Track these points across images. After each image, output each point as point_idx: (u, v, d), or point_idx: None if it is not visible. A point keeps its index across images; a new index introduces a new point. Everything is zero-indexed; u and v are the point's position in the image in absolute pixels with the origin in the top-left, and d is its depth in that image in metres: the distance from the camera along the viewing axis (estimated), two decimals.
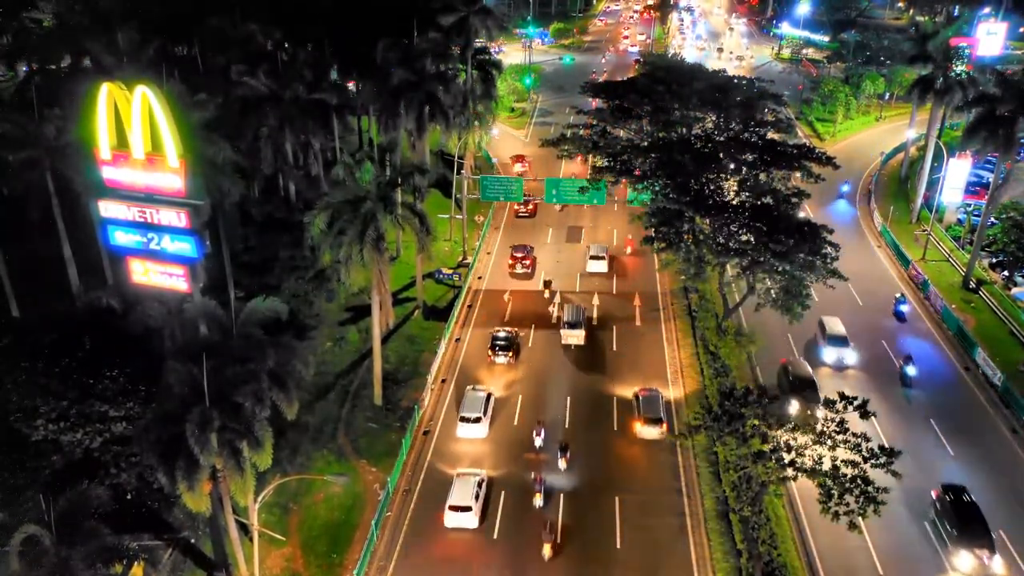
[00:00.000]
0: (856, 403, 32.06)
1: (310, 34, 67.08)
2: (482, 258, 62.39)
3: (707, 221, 46.08)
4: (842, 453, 30.57)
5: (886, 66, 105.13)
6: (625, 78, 77.58)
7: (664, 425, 40.75)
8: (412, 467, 39.28)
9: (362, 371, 46.66)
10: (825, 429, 31.00)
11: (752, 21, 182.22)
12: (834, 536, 33.42)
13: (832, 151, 64.96)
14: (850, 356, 46.97)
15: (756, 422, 31.41)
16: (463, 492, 35.21)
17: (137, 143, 32.10)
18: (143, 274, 35.57)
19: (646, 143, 54.46)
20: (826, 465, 30.23)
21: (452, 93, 58.87)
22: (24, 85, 57.19)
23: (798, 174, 49.91)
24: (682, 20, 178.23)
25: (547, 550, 33.37)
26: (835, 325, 48.50)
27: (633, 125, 57.67)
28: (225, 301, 40.74)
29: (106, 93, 31.53)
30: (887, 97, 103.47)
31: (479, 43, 70.82)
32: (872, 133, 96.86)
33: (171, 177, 32.53)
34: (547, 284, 57.16)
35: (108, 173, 33.38)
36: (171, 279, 35.21)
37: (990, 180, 61.08)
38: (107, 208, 34.25)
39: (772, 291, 44.50)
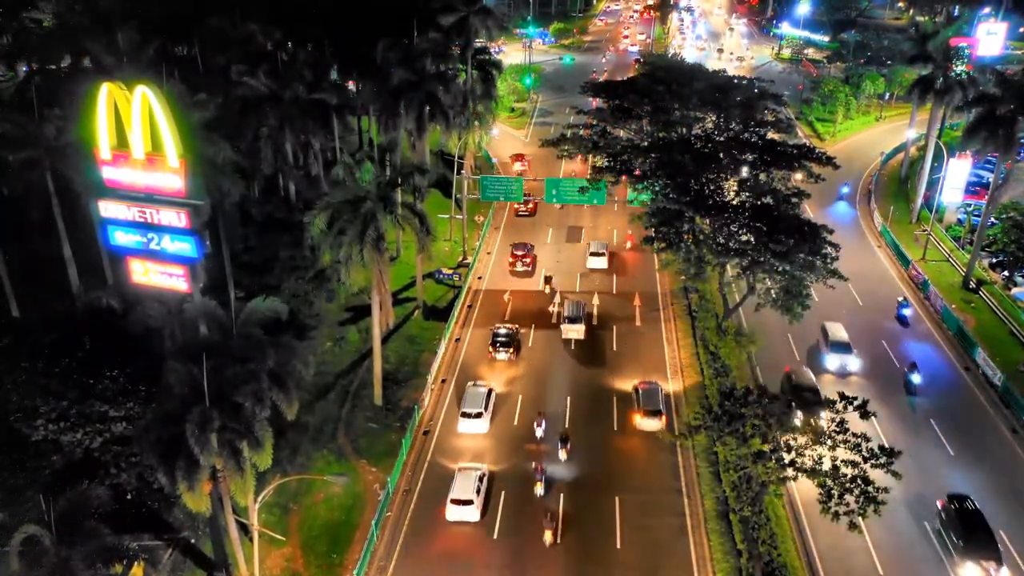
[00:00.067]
0: (856, 403, 32.07)
1: (310, 34, 67.09)
2: (482, 258, 62.40)
3: (707, 221, 46.07)
4: (842, 453, 30.57)
5: (886, 66, 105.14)
6: (625, 78, 77.64)
7: (663, 417, 41.33)
8: (412, 467, 39.30)
9: (362, 371, 46.66)
10: (827, 431, 30.96)
11: (752, 21, 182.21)
12: (834, 536, 33.43)
13: (832, 151, 64.95)
14: (853, 363, 46.26)
15: (757, 422, 31.40)
16: (464, 486, 35.57)
17: (137, 143, 32.11)
18: (143, 274, 35.58)
19: (646, 143, 54.47)
20: (826, 465, 30.24)
21: (452, 93, 58.87)
22: (24, 85, 57.19)
23: (799, 175, 49.94)
24: (682, 20, 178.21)
25: (548, 536, 34.09)
26: (838, 331, 47.75)
27: (633, 125, 57.68)
28: (225, 301, 40.76)
29: (106, 93, 31.54)
30: (887, 97, 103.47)
31: (479, 43, 70.84)
32: (872, 133, 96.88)
33: (171, 177, 32.55)
34: (547, 280, 57.46)
35: (108, 173, 33.39)
36: (171, 279, 35.22)
37: (990, 180, 61.08)
38: (107, 208, 34.27)
39: (772, 291, 44.49)
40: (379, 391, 43.96)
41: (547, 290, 56.65)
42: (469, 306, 55.06)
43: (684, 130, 56.34)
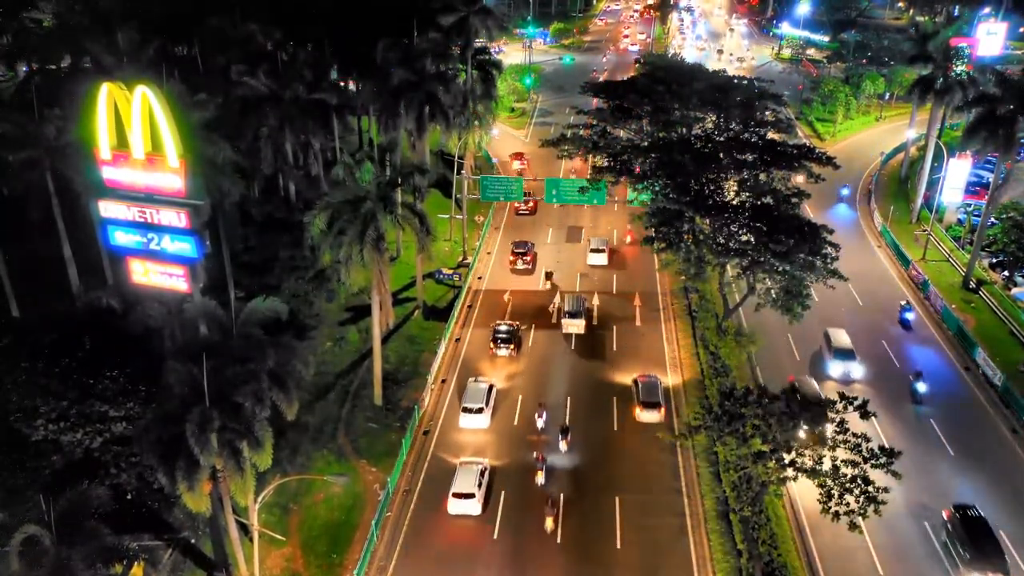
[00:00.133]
0: (856, 403, 32.07)
1: (310, 34, 67.07)
2: (482, 258, 62.40)
3: (707, 221, 46.07)
4: (842, 453, 30.58)
5: (886, 66, 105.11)
6: (626, 77, 77.63)
7: (662, 409, 42.11)
8: (412, 467, 39.30)
9: (362, 371, 46.66)
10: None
11: (752, 21, 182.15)
12: (834, 536, 33.45)
13: (832, 151, 64.90)
14: (857, 370, 45.63)
15: (757, 422, 31.40)
16: (466, 480, 36.07)
17: (137, 143, 32.10)
18: (143, 274, 35.57)
19: (646, 143, 54.48)
20: (826, 465, 30.24)
21: (452, 93, 58.85)
22: (24, 85, 57.16)
23: (800, 178, 49.91)
24: (682, 20, 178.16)
25: (549, 523, 34.78)
26: (841, 338, 47.03)
27: (633, 125, 57.68)
28: (225, 301, 40.76)
29: (106, 93, 31.53)
30: (887, 97, 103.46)
31: (479, 43, 70.81)
32: (872, 133, 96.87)
33: (171, 177, 32.54)
34: (548, 276, 57.94)
35: (108, 173, 33.38)
36: (171, 279, 35.21)
37: (990, 180, 61.07)
38: (107, 208, 34.25)
39: (772, 291, 44.48)
40: (379, 391, 43.96)
41: (548, 285, 57.06)
42: (469, 306, 55.07)
43: (684, 130, 56.33)
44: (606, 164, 53.82)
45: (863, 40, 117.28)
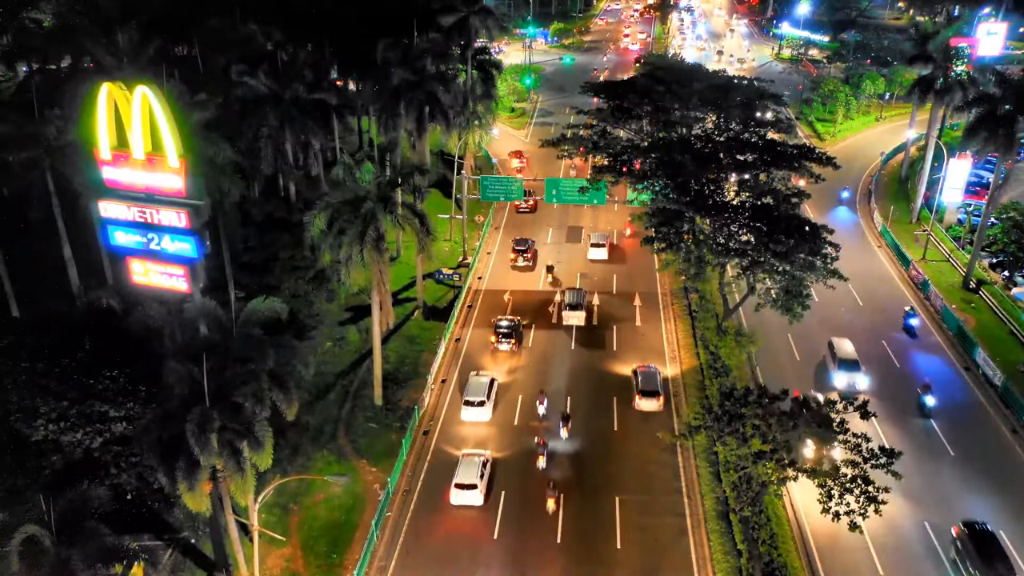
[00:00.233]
0: (856, 404, 32.08)
1: (310, 34, 67.05)
2: (482, 258, 62.42)
3: (707, 221, 46.07)
4: (841, 453, 30.58)
5: (886, 66, 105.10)
6: (627, 77, 77.63)
7: (661, 398, 43.08)
8: (412, 467, 39.31)
9: (362, 371, 46.67)
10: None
11: (752, 21, 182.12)
12: (834, 536, 33.45)
13: (832, 151, 64.92)
14: (862, 380, 44.51)
15: (757, 422, 31.39)
16: (468, 471, 36.76)
17: (137, 143, 32.12)
18: (143, 274, 35.60)
19: (646, 143, 54.49)
20: (826, 465, 30.22)
21: (452, 93, 58.87)
22: (24, 85, 57.12)
23: (802, 182, 49.86)
24: (682, 20, 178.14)
25: (551, 504, 35.83)
26: (846, 348, 46.15)
27: (633, 125, 57.70)
28: (225, 301, 40.76)
29: (106, 93, 31.54)
30: (887, 97, 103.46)
31: (479, 43, 70.82)
32: (872, 133, 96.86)
33: (171, 177, 32.56)
34: (550, 269, 58.74)
35: (108, 173, 33.40)
36: (171, 279, 35.24)
37: (990, 180, 61.07)
38: (107, 208, 34.28)
39: (772, 291, 44.47)
40: (379, 391, 43.96)
41: (549, 279, 57.57)
42: (469, 306, 55.08)
43: (684, 130, 56.35)
44: (606, 164, 53.83)
45: (863, 40, 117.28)
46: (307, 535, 35.18)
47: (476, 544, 34.50)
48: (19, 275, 46.70)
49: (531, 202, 70.66)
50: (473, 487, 36.09)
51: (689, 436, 34.40)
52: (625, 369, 46.88)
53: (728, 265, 48.73)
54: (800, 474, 30.24)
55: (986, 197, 59.83)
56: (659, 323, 52.75)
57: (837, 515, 29.69)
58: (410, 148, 63.34)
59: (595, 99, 77.82)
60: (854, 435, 31.01)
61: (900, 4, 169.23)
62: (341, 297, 53.50)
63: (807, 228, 44.18)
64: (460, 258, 62.69)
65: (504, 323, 49.50)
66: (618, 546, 34.23)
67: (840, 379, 44.86)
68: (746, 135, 53.54)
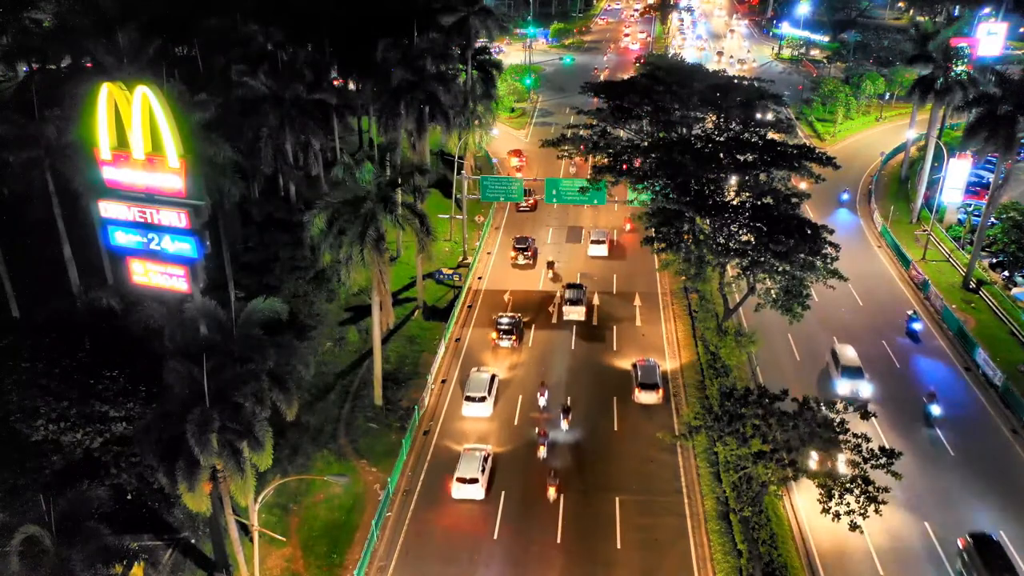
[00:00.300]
0: (856, 405, 32.09)
1: (310, 34, 67.03)
2: (482, 258, 62.43)
3: (707, 221, 46.06)
4: (845, 455, 30.59)
5: (886, 66, 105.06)
6: (627, 76, 77.64)
7: (660, 391, 43.68)
8: (412, 467, 39.32)
9: (362, 371, 46.67)
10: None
11: (752, 21, 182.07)
12: (834, 536, 33.44)
13: (832, 151, 64.92)
14: (865, 389, 43.79)
15: (757, 422, 31.40)
16: (470, 466, 37.18)
17: (137, 143, 32.12)
18: (143, 274, 35.60)
19: (646, 143, 54.48)
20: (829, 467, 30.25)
21: (452, 93, 58.90)
22: (24, 85, 57.13)
23: (803, 185, 49.80)
24: (682, 20, 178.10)
25: (552, 492, 36.60)
26: (849, 355, 45.50)
27: (633, 125, 57.71)
28: (225, 301, 40.71)
29: (106, 93, 31.54)
30: (887, 97, 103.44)
31: (480, 43, 70.81)
32: (872, 133, 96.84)
33: (171, 177, 32.56)
34: (550, 265, 59.29)
35: (108, 173, 33.40)
36: (171, 279, 35.24)
37: (990, 180, 61.04)
38: (107, 208, 34.28)
39: (772, 291, 44.45)
40: (379, 391, 43.97)
41: (550, 275, 57.92)
42: (469, 306, 55.08)
43: (684, 130, 56.35)
44: (606, 164, 53.83)
45: (863, 40, 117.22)
46: (307, 535, 35.18)
47: (476, 544, 34.50)
48: (19, 275, 46.74)
49: (531, 201, 70.73)
50: (475, 481, 36.49)
51: (689, 436, 34.43)
52: (625, 369, 46.87)
53: (728, 265, 48.68)
54: (800, 475, 30.23)
55: (986, 197, 59.82)
56: (659, 323, 52.77)
57: (837, 515, 29.70)
58: (410, 148, 63.34)
59: (595, 99, 77.86)
60: (854, 435, 31.02)
61: (900, 4, 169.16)
62: (341, 297, 53.51)
63: (807, 228, 44.17)
64: (460, 258, 62.69)
65: (505, 320, 49.93)
66: (618, 546, 34.24)
67: (843, 387, 44.08)
68: (746, 135, 53.53)
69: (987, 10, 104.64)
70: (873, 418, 33.84)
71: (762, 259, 43.23)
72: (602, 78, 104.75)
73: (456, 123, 61.49)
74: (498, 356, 48.68)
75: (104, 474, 32.41)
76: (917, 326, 50.97)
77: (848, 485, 29.79)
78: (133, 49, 48.67)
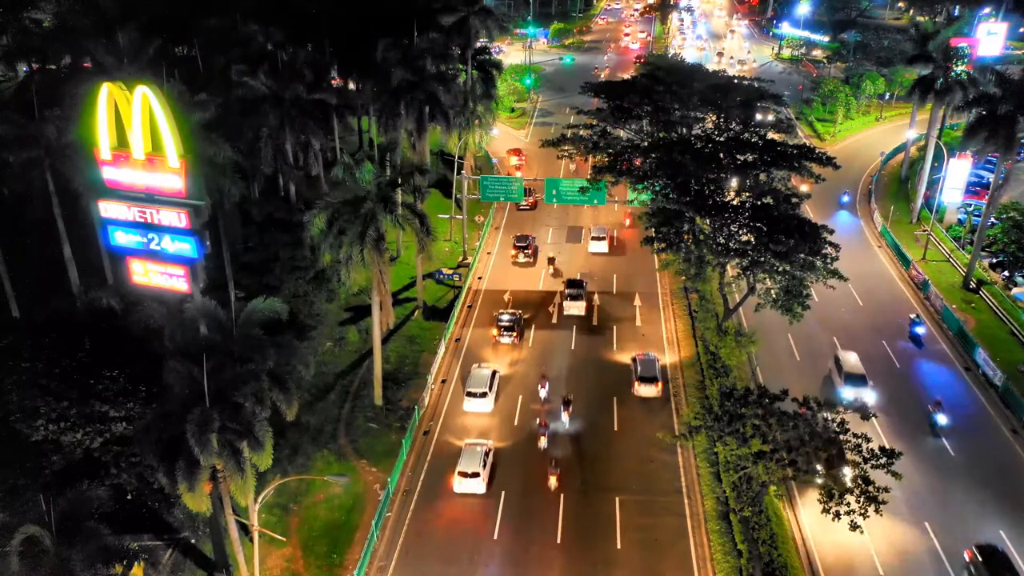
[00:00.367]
0: (857, 405, 32.09)
1: (310, 34, 67.01)
2: (482, 258, 62.43)
3: (707, 221, 46.05)
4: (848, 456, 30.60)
5: (887, 66, 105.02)
6: (627, 76, 77.62)
7: (659, 384, 44.26)
8: (412, 467, 39.32)
9: (362, 371, 46.67)
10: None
11: (752, 21, 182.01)
12: (834, 536, 33.43)
13: (832, 151, 64.88)
14: (869, 396, 42.83)
15: (757, 422, 31.39)
16: (471, 460, 37.61)
17: (137, 143, 32.11)
18: (143, 274, 35.60)
19: (646, 143, 54.47)
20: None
21: (452, 93, 58.89)
22: (24, 85, 57.12)
23: (804, 187, 49.74)
24: (682, 20, 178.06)
25: (553, 481, 37.33)
26: (852, 361, 44.94)
27: (633, 125, 57.70)
28: (225, 301, 40.70)
29: (106, 93, 31.54)
30: (887, 97, 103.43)
31: (480, 43, 70.78)
32: (872, 133, 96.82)
33: (171, 177, 32.55)
34: (551, 261, 59.62)
35: (108, 173, 33.40)
36: (171, 279, 35.24)
37: (990, 180, 61.03)
38: (107, 208, 34.28)
39: (772, 291, 44.45)
40: (379, 391, 43.97)
41: (551, 271, 58.44)
42: (469, 306, 55.08)
43: (684, 130, 56.34)
44: (606, 164, 53.82)
45: (863, 40, 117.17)
46: (307, 535, 35.18)
47: (476, 544, 34.50)
48: (19, 275, 46.74)
49: (531, 199, 70.77)
50: (476, 475, 36.86)
51: (689, 436, 34.44)
52: (625, 369, 46.88)
53: (728, 265, 48.68)
54: (800, 475, 30.23)
55: (986, 197, 59.81)
56: (659, 323, 52.78)
57: (838, 515, 29.69)
58: (410, 148, 63.34)
59: (595, 99, 77.86)
60: (854, 435, 31.01)
61: (900, 4, 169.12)
62: (341, 297, 53.50)
63: (807, 228, 44.16)
64: (460, 258, 62.69)
65: (506, 316, 50.25)
66: (618, 546, 34.25)
67: (847, 394, 43.33)
68: (746, 135, 53.51)
69: (987, 10, 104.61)
70: (876, 425, 33.76)
71: (762, 259, 43.22)
72: (602, 78, 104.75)
73: (456, 123, 61.50)
74: (499, 353, 48.91)
75: (104, 474, 32.40)
76: (920, 330, 50.38)
77: (848, 485, 29.78)
78: (133, 49, 48.66)
